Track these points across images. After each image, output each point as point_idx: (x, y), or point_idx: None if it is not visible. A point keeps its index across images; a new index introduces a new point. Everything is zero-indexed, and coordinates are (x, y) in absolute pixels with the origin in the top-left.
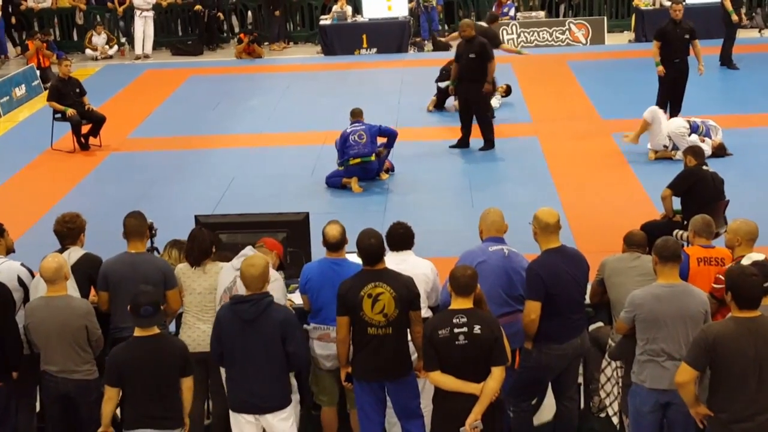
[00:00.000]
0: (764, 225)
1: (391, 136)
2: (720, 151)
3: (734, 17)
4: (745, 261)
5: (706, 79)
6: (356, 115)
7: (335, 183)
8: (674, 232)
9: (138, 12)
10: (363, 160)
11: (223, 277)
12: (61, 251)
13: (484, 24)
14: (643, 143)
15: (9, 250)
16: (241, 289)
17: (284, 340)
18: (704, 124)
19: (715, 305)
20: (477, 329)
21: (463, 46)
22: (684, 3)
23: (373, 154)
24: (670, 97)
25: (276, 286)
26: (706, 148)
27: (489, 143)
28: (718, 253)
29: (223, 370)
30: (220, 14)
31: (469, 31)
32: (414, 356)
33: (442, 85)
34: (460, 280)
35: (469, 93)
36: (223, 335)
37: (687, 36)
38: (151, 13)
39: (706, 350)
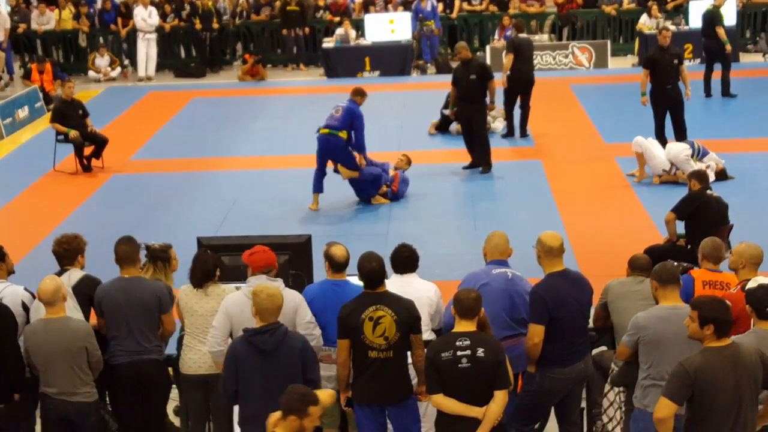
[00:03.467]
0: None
1: (355, 134)
2: (721, 176)
3: (728, 47)
4: (751, 284)
5: (709, 103)
6: (354, 93)
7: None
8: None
9: (141, 34)
10: (330, 132)
11: (236, 308)
12: (60, 273)
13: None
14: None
15: (9, 272)
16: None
17: (304, 368)
18: (700, 145)
19: None
20: (480, 352)
21: (461, 68)
22: (680, 28)
23: (342, 131)
24: (673, 124)
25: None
26: (710, 172)
27: (488, 166)
28: (724, 277)
29: (235, 409)
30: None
31: (465, 53)
32: (414, 380)
33: (447, 111)
34: (464, 302)
35: (471, 113)
36: (241, 370)
37: (676, 61)
38: (153, 35)
39: (687, 385)
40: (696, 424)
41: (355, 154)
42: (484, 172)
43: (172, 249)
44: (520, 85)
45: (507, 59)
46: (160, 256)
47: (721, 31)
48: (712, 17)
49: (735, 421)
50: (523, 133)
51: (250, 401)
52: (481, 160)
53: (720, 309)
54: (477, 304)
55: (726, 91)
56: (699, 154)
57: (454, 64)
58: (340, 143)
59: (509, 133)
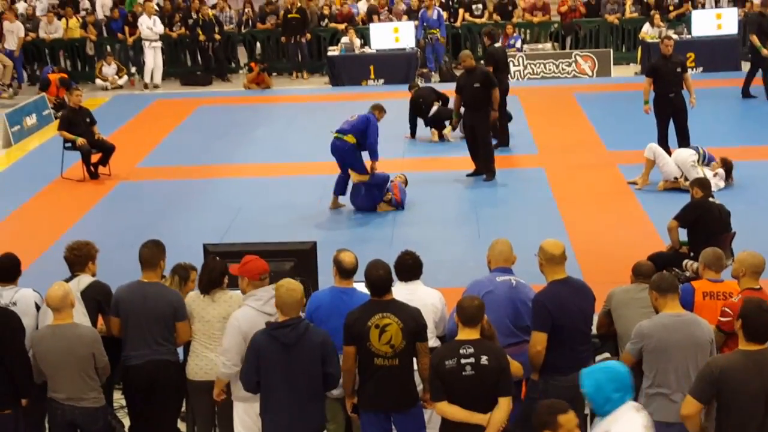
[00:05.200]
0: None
1: (366, 140)
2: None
3: (764, 52)
4: None
5: (718, 111)
6: (374, 107)
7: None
8: (684, 262)
9: (147, 43)
10: (338, 136)
11: (249, 325)
12: (70, 279)
13: None
14: (654, 177)
15: None
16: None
17: (324, 362)
18: (705, 151)
19: (721, 338)
20: (484, 360)
21: (465, 76)
22: (683, 37)
23: (349, 135)
24: (677, 131)
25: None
26: (718, 180)
27: (491, 174)
28: (725, 287)
29: (255, 406)
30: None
31: (469, 62)
32: (420, 387)
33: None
34: (467, 310)
35: (475, 121)
36: (263, 362)
37: (679, 69)
38: (159, 44)
39: (712, 383)
40: (723, 422)
41: (368, 161)
42: (488, 179)
43: (195, 273)
44: (503, 95)
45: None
46: (180, 273)
47: (754, 38)
48: (746, 24)
49: (761, 426)
50: (506, 142)
51: (271, 392)
52: (484, 167)
53: (754, 310)
54: (480, 312)
55: (746, 93)
56: (704, 160)
57: (459, 73)
58: (346, 146)
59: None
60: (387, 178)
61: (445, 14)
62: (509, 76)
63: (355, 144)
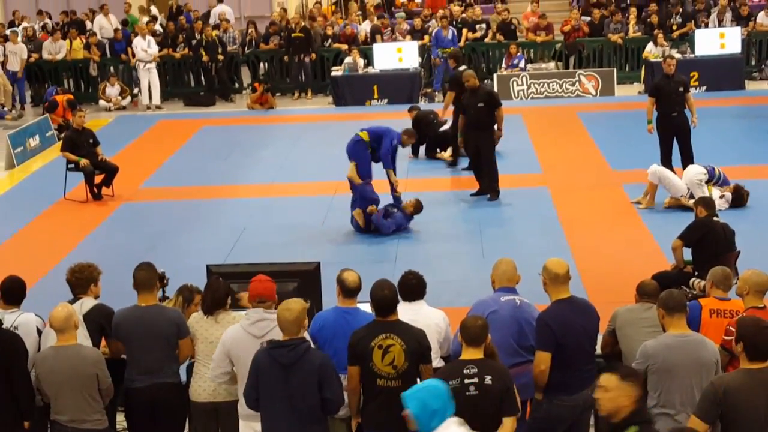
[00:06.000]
0: None
1: (379, 150)
2: (737, 198)
3: None
4: None
5: (715, 130)
6: (405, 131)
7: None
8: (691, 281)
9: (141, 64)
10: (357, 133)
11: (233, 341)
12: (73, 301)
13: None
14: (659, 197)
15: None
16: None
17: (321, 386)
18: (721, 172)
19: (726, 357)
20: (488, 380)
21: (469, 96)
22: (686, 56)
23: (365, 132)
24: (681, 151)
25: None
26: (723, 203)
27: (495, 193)
28: (732, 305)
29: (257, 426)
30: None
31: (473, 82)
32: None
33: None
34: (470, 330)
35: (480, 140)
36: (262, 381)
37: (681, 89)
38: (153, 65)
39: (716, 403)
40: None
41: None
42: (492, 199)
43: (200, 296)
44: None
45: (448, 96)
46: (185, 294)
47: None
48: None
49: None
50: (455, 163)
51: (271, 411)
52: (488, 187)
53: (754, 330)
54: (483, 332)
55: None
56: (717, 181)
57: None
58: (357, 138)
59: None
60: (372, 200)
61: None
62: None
63: (366, 141)
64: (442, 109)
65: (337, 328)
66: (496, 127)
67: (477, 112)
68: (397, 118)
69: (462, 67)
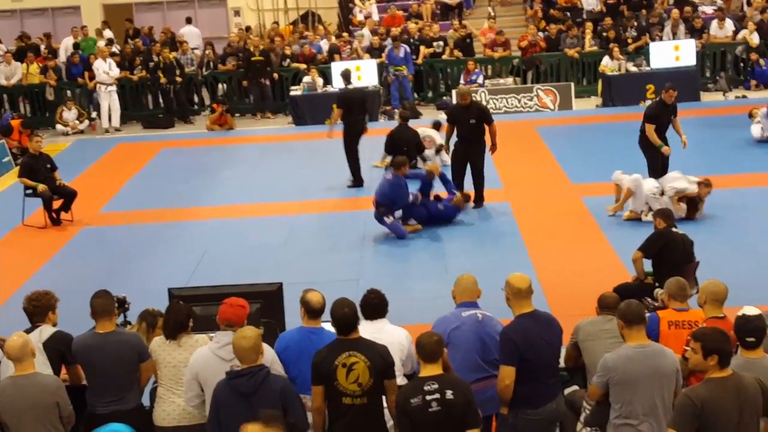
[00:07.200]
0: (732, 285)
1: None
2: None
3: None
4: (738, 314)
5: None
6: (395, 167)
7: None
8: (655, 292)
9: (102, 87)
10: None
11: (201, 365)
12: (31, 329)
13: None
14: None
15: None
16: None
17: (285, 411)
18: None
19: (687, 367)
20: (449, 394)
21: (461, 111)
22: (642, 69)
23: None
24: (663, 166)
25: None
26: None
27: (481, 201)
28: (691, 316)
29: None
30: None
31: (468, 98)
32: (390, 423)
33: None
34: (426, 347)
35: (471, 153)
36: (222, 413)
37: (673, 116)
38: (114, 87)
39: (695, 415)
40: None
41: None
42: (478, 206)
43: (161, 320)
44: (354, 136)
45: (336, 113)
46: (148, 320)
47: None
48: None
49: None
50: (361, 183)
51: None
52: (476, 196)
53: (722, 340)
54: (439, 347)
55: None
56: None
57: (422, 110)
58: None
59: (357, 183)
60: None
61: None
62: (366, 117)
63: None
64: (445, 143)
65: (301, 349)
66: (489, 142)
67: (469, 127)
68: None
69: (350, 86)
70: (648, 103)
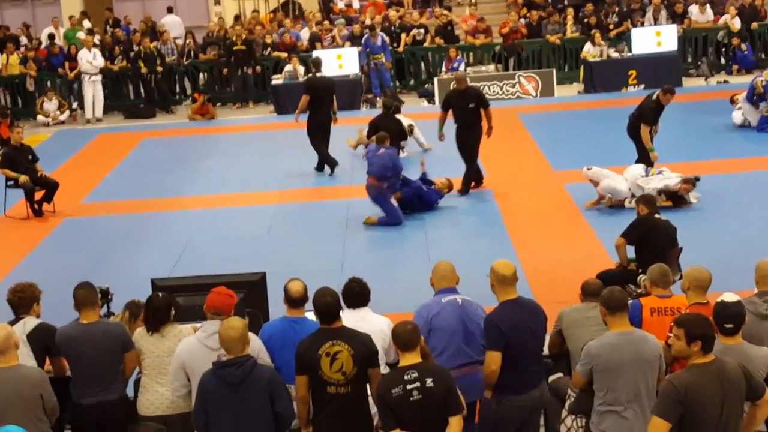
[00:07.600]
0: (715, 271)
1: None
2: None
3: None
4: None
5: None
6: (378, 139)
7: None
8: (638, 278)
9: (86, 77)
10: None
11: (188, 354)
12: (15, 321)
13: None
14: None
15: None
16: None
17: (273, 401)
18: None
19: (670, 354)
20: (429, 382)
21: (457, 96)
22: (624, 55)
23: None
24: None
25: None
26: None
27: (467, 189)
28: (674, 302)
29: None
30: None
31: (464, 84)
32: (374, 411)
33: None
34: (402, 336)
35: (467, 137)
36: (209, 402)
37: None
38: (99, 77)
39: (679, 401)
40: None
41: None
42: (463, 194)
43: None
44: (318, 122)
45: (303, 100)
46: (132, 309)
47: None
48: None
49: (717, 427)
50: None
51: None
52: (471, 178)
53: (706, 325)
54: (415, 335)
55: None
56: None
57: (405, 98)
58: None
59: (322, 168)
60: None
61: (387, 39)
62: (333, 107)
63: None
64: (439, 130)
65: (285, 338)
66: (486, 125)
67: (466, 112)
68: (340, 123)
69: (318, 74)
70: (630, 89)
